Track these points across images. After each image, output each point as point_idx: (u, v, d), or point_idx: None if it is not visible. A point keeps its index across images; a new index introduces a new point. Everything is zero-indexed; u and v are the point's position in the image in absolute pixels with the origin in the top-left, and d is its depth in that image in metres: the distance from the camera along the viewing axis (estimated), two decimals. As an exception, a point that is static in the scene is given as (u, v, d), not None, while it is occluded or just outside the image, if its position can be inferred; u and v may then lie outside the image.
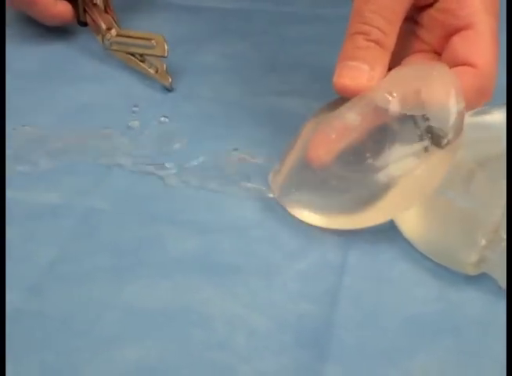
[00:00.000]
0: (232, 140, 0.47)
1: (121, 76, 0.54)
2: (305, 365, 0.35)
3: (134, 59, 0.54)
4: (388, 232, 0.40)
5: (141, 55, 0.54)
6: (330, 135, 0.41)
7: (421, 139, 0.39)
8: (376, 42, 0.42)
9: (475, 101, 0.42)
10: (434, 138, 0.39)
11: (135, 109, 0.50)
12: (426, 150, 0.39)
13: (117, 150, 0.47)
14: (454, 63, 0.43)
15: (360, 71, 0.42)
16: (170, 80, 0.52)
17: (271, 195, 0.43)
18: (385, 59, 0.42)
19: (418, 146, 0.39)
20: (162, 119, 0.49)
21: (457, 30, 0.43)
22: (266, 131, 0.48)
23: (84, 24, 0.57)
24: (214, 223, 0.42)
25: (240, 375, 0.34)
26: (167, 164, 0.45)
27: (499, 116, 0.42)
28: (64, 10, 0.56)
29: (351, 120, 0.41)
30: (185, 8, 0.61)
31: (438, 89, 0.41)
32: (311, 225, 0.41)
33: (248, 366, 0.35)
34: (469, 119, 0.41)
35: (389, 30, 0.43)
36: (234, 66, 0.55)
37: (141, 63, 0.54)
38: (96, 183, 0.44)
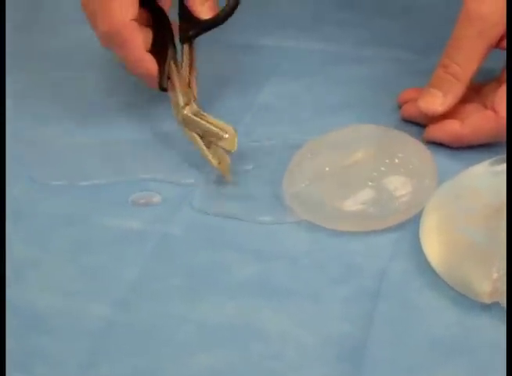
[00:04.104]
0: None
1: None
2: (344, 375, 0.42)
3: (200, 142, 0.52)
4: (419, 263, 0.47)
5: (209, 141, 0.52)
6: None
7: None
8: (453, 75, 0.52)
9: (492, 139, 0.52)
10: None
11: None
12: None
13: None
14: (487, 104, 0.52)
15: (435, 97, 0.52)
16: (231, 177, 0.52)
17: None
18: (458, 89, 0.52)
19: None
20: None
21: (503, 82, 0.52)
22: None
23: (165, 90, 0.54)
24: (270, 252, 0.49)
25: (290, 382, 0.42)
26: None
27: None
28: (151, 62, 0.53)
29: None
30: (243, 46, 0.65)
31: None
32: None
33: (297, 374, 0.42)
34: (490, 167, 0.48)
35: (466, 66, 0.52)
36: (286, 106, 0.60)
37: (205, 149, 0.52)
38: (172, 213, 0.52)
